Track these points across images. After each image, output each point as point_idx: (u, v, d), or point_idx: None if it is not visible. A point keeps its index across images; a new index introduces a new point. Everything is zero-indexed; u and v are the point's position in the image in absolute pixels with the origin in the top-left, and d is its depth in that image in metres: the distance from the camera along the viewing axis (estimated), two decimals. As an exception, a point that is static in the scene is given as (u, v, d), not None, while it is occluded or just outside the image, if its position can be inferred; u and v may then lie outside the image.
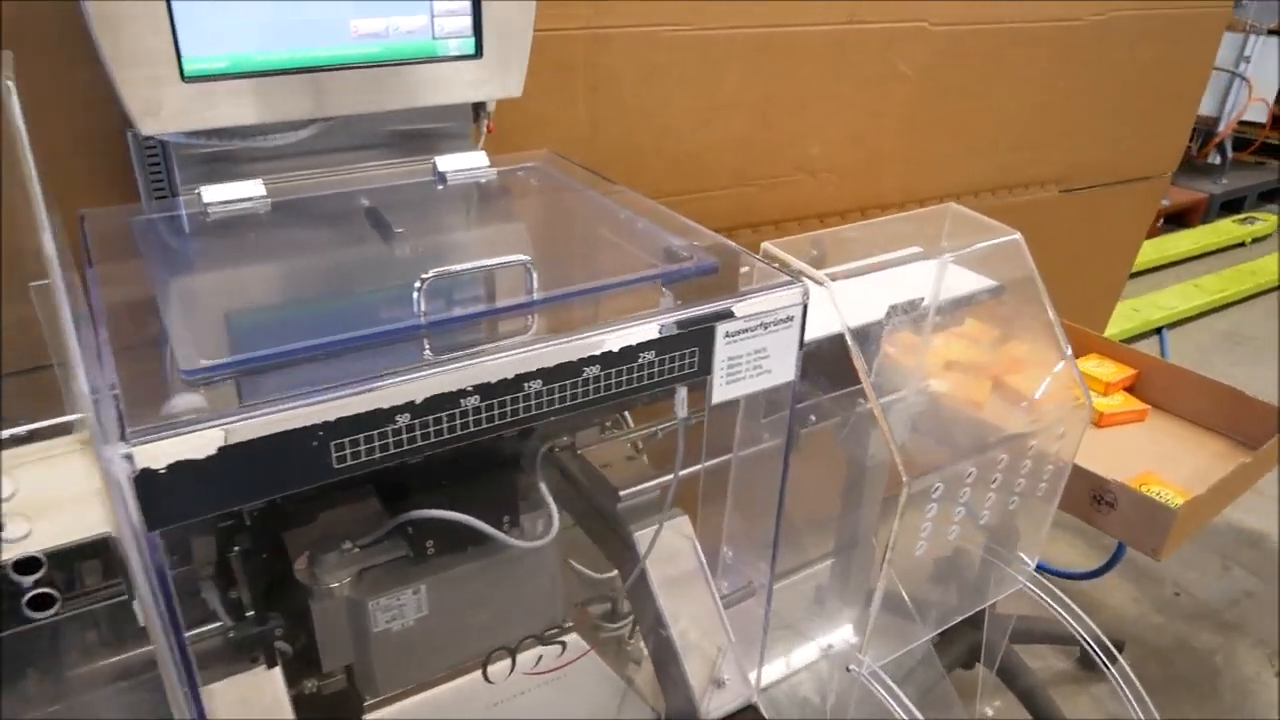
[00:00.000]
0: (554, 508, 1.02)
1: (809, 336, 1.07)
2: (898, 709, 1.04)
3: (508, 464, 1.04)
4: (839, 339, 1.02)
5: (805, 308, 0.84)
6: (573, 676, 1.14)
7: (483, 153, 1.10)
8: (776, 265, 1.01)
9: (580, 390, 0.76)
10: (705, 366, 0.82)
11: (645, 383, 0.79)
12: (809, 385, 1.11)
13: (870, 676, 1.05)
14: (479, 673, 1.06)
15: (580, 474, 1.21)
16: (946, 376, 1.33)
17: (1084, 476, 1.26)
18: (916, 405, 1.27)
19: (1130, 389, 1.56)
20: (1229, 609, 2.05)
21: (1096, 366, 1.56)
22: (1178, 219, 4.13)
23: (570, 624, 1.14)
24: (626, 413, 1.44)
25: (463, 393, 0.69)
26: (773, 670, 1.26)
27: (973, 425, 1.22)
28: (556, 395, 0.75)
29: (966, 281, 1.27)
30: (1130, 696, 1.18)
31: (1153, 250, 3.73)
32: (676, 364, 0.80)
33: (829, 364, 1.07)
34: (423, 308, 0.75)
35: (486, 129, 1.19)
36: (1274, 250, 3.96)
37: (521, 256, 0.79)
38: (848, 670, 1.06)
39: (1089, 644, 1.17)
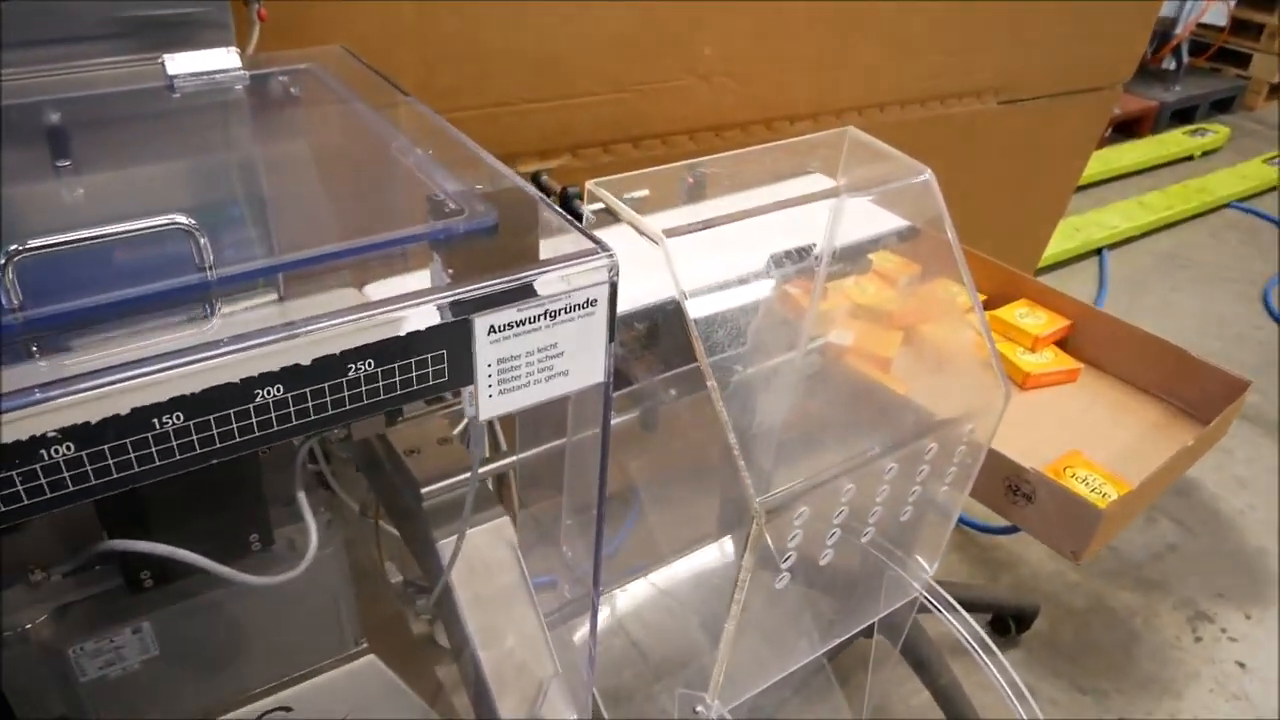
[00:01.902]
0: (312, 524, 0.79)
1: (651, 300, 0.84)
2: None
3: (259, 468, 0.81)
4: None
5: (614, 287, 0.61)
6: (371, 710, 0.94)
7: (232, 51, 0.83)
8: (601, 211, 0.77)
9: (248, 424, 0.51)
10: (463, 374, 0.58)
11: (359, 405, 0.55)
12: (656, 357, 0.88)
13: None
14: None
15: (386, 461, 0.98)
16: (849, 327, 1.11)
17: (998, 461, 1.06)
18: (807, 368, 1.05)
19: (1062, 343, 1.36)
20: (1151, 564, 1.91)
21: (1025, 316, 1.35)
22: (1125, 128, 3.92)
23: (364, 646, 0.93)
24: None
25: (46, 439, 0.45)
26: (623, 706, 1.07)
27: (869, 397, 1.01)
28: (211, 432, 0.51)
29: (870, 221, 1.03)
30: (1007, 688, 1.01)
31: (1098, 163, 3.52)
32: (414, 374, 0.56)
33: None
34: (15, 299, 0.50)
35: (258, 15, 0.92)
36: (1223, 166, 3.78)
37: (180, 219, 0.54)
38: (695, 712, 0.87)
39: (969, 642, 1.00)
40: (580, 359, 0.62)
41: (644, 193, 0.89)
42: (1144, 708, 1.61)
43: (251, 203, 0.71)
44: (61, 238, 0.51)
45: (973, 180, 1.94)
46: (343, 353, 0.52)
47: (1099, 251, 3.11)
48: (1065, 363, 1.30)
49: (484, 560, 0.91)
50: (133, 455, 0.49)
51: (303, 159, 0.80)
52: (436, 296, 0.55)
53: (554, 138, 1.28)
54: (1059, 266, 2.99)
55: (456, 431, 1.14)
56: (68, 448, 0.46)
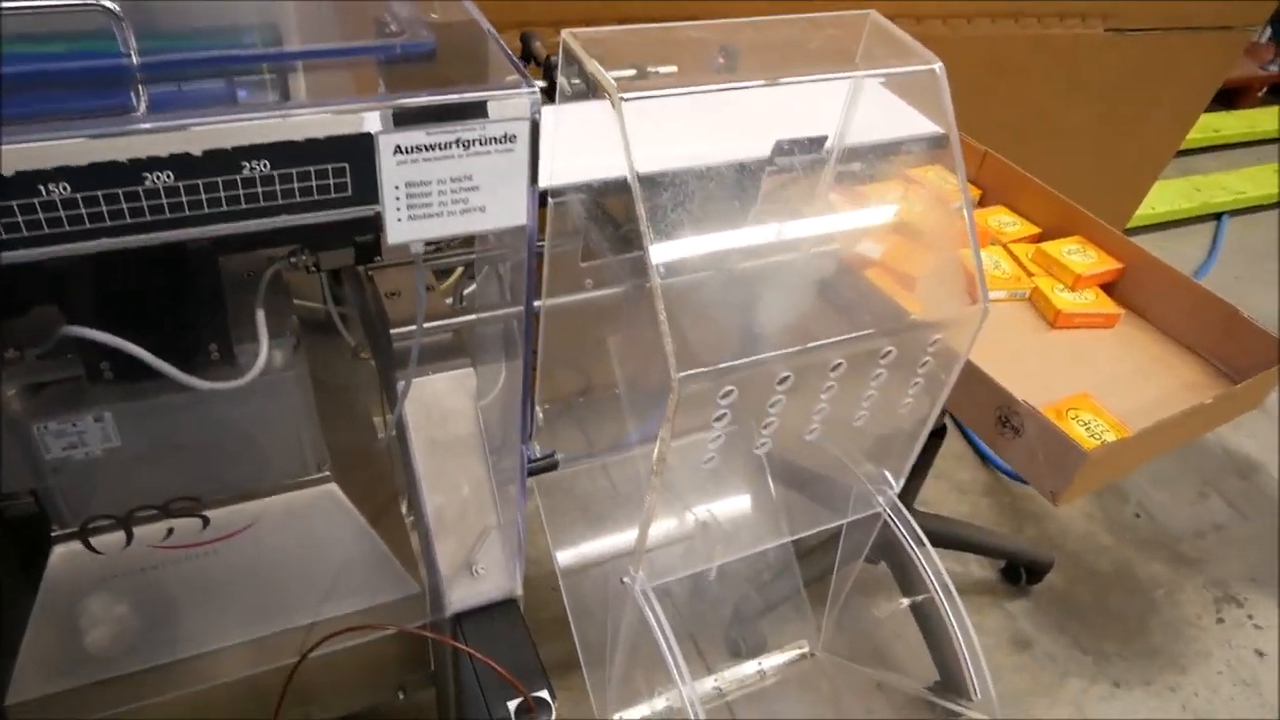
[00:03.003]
0: (265, 343, 0.81)
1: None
2: (659, 633, 0.86)
3: (236, 281, 0.83)
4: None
5: (535, 125, 0.59)
6: (325, 537, 0.98)
7: None
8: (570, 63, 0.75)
9: (139, 206, 0.53)
10: (366, 193, 0.58)
11: (256, 206, 0.55)
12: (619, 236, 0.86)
13: (641, 594, 0.86)
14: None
15: (371, 301, 0.99)
16: (885, 240, 1.06)
17: (993, 391, 1.01)
18: (814, 271, 1.02)
19: (1109, 287, 1.28)
20: (1191, 541, 1.82)
21: (1074, 253, 1.27)
22: (1223, 97, 3.46)
23: (326, 472, 0.97)
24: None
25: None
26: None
27: (863, 304, 0.98)
28: (101, 209, 0.52)
29: (895, 122, 0.98)
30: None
31: (1239, 122, 3.25)
32: (314, 184, 0.56)
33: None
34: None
35: None
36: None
37: (106, 2, 0.54)
38: (621, 582, 0.88)
39: (936, 590, 0.97)
40: (499, 196, 0.61)
41: (672, 69, 0.86)
42: (1142, 676, 1.56)
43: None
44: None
45: (1065, 115, 1.81)
46: (235, 149, 0.53)
47: (1218, 217, 2.90)
48: (1104, 306, 1.23)
49: (442, 408, 0.93)
50: (20, 220, 0.50)
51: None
52: (337, 106, 0.54)
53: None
54: (1171, 226, 2.80)
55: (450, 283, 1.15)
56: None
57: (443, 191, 0.59)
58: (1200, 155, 3.11)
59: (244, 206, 0.55)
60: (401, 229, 0.60)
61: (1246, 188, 2.94)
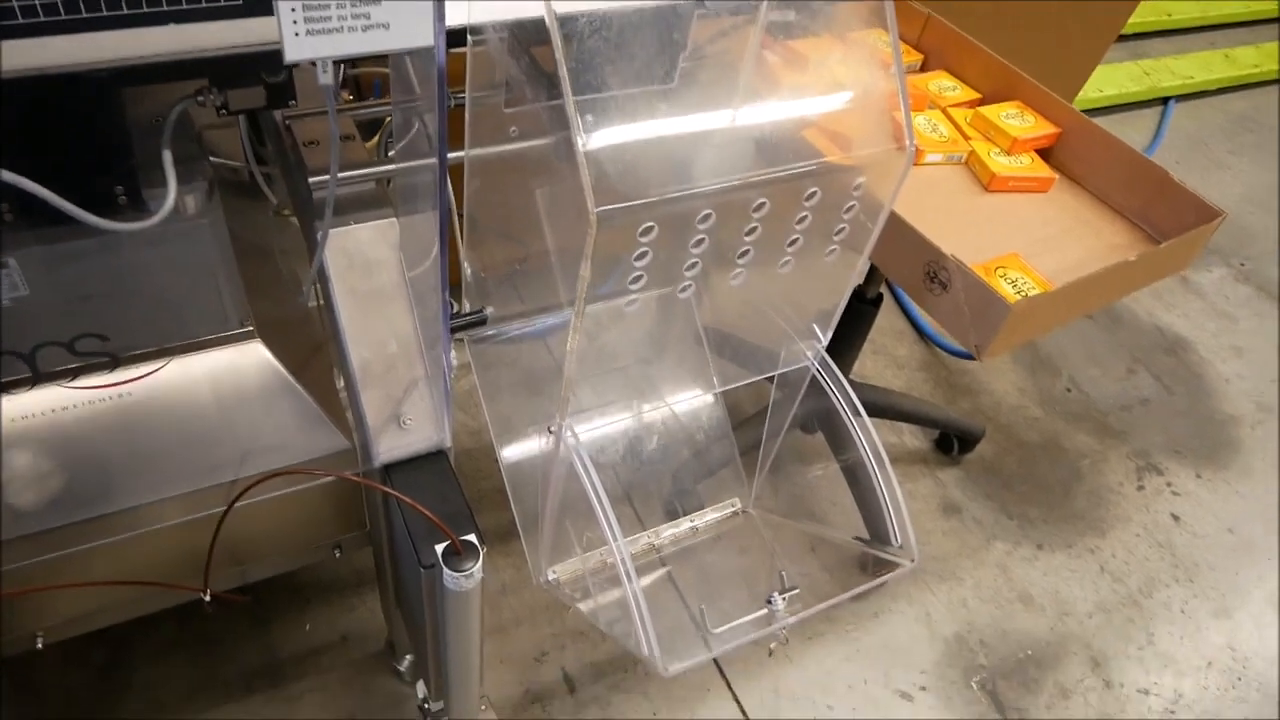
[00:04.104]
0: (173, 183, 0.78)
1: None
2: (588, 484, 0.87)
3: (143, 124, 0.79)
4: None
5: (438, -64, 0.56)
6: (251, 392, 0.97)
7: None
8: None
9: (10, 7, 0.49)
10: (259, 3, 0.55)
11: (139, 11, 0.52)
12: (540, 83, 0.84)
13: (569, 442, 0.87)
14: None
15: (290, 152, 0.96)
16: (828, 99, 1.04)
17: (922, 248, 1.02)
18: (747, 131, 1.00)
19: (1046, 152, 1.28)
20: (1117, 414, 1.88)
21: (1011, 117, 1.26)
22: None
23: (249, 328, 0.95)
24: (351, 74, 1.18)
25: None
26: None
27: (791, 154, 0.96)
28: None
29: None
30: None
31: (1191, 7, 3.23)
32: (202, -12, 0.53)
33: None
34: None
35: None
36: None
37: None
38: (549, 431, 0.88)
39: (866, 453, 0.99)
40: (403, 14, 0.59)
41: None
42: (1064, 539, 1.63)
43: None
44: None
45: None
46: (110, -58, 0.49)
47: (1165, 101, 2.90)
48: (1039, 170, 1.23)
49: (365, 258, 0.91)
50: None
51: None
52: (221, -101, 0.51)
53: None
54: (1118, 109, 2.80)
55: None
56: None
57: (341, 4, 0.57)
58: (1151, 39, 3.10)
59: (126, 11, 0.52)
60: (299, 45, 0.57)
61: (1195, 72, 2.95)
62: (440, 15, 0.60)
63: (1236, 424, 1.90)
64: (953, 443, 1.70)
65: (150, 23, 0.53)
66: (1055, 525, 1.65)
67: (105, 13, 0.52)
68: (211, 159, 0.97)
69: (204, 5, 0.54)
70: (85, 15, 0.51)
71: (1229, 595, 1.59)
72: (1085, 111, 1.25)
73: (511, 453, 1.13)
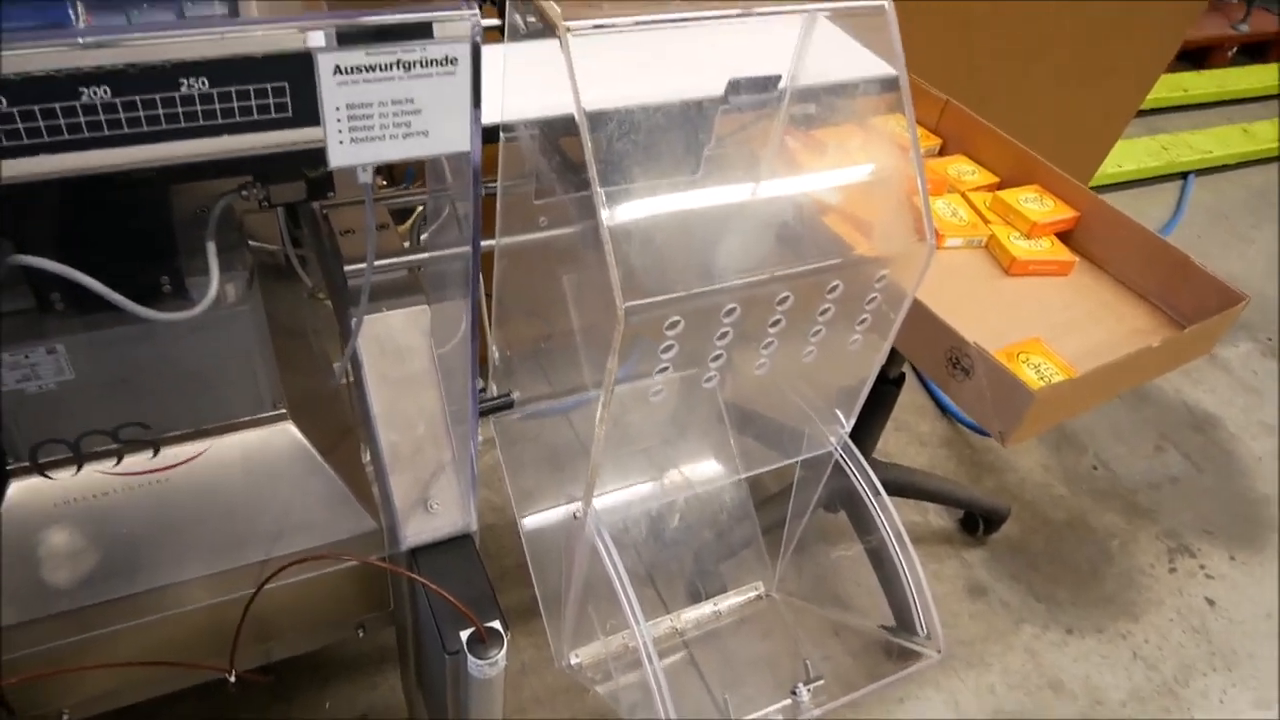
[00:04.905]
0: (215, 274, 0.81)
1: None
2: (611, 568, 0.87)
3: (188, 215, 0.83)
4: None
5: (477, 48, 0.59)
6: (281, 474, 0.98)
7: None
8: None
9: (76, 122, 0.53)
10: (307, 115, 0.58)
11: (196, 125, 0.55)
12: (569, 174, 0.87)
13: (594, 528, 0.88)
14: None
15: (326, 239, 1.00)
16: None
17: (944, 333, 1.03)
18: (772, 216, 1.02)
19: (1066, 235, 1.29)
20: (1146, 492, 1.86)
21: (1030, 201, 1.28)
22: (1193, 57, 3.47)
23: (283, 410, 0.97)
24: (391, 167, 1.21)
25: None
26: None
27: (813, 245, 0.98)
28: (38, 123, 0.52)
29: (850, 63, 0.98)
30: (888, 529, 0.99)
31: (1208, 82, 3.26)
32: (254, 103, 0.56)
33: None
34: None
35: None
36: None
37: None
38: (574, 518, 0.89)
39: (887, 533, 0.99)
40: (442, 121, 0.61)
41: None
42: (1095, 623, 1.60)
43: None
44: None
45: (1027, 71, 1.82)
46: (172, 65, 0.53)
47: (1185, 176, 2.92)
48: (1059, 253, 1.24)
49: (396, 344, 0.93)
50: (-45, 133, 0.50)
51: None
52: (274, 23, 0.54)
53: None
54: (1138, 185, 2.82)
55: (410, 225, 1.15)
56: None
57: (384, 114, 0.60)
58: (1169, 114, 3.13)
59: (183, 125, 0.55)
60: (343, 152, 0.60)
61: (1213, 147, 2.97)
62: (477, 123, 0.63)
63: (1270, 504, 1.87)
64: (978, 522, 1.69)
65: (205, 135, 0.56)
66: (1085, 608, 1.62)
67: (164, 126, 0.55)
68: (250, 243, 1.01)
69: (255, 119, 0.56)
70: (146, 129, 0.54)
71: (1270, 684, 1.55)
72: (1105, 187, 1.27)
73: (534, 527, 1.14)
